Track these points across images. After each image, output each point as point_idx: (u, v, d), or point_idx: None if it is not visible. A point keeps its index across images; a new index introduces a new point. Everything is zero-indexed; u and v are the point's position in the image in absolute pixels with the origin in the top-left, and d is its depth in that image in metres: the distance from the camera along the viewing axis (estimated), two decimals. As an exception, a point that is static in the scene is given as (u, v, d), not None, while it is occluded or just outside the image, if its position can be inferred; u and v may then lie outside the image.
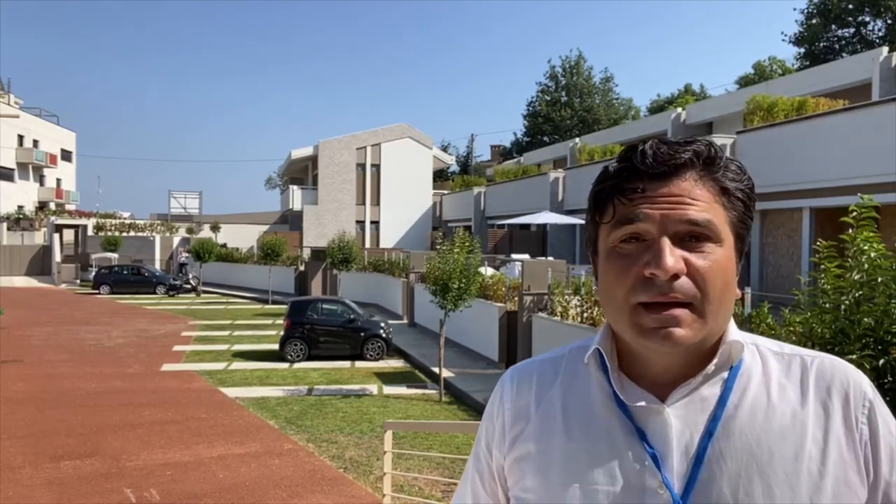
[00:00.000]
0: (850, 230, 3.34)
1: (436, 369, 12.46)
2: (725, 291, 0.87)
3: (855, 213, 3.33)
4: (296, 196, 39.04)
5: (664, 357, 0.91)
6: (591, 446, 0.93)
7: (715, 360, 0.90)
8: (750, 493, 0.84)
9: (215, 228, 39.97)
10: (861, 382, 0.90)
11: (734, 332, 0.92)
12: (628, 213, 0.88)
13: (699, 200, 0.87)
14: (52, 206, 48.74)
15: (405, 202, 38.63)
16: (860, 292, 3.19)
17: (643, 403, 0.91)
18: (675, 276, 0.85)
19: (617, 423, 0.93)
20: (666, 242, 0.85)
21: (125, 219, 44.04)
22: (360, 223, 38.31)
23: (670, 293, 0.84)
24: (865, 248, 3.17)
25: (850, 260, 3.28)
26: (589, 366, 0.99)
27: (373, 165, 38.52)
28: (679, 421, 0.89)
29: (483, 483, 1.06)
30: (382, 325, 15.54)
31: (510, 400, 1.03)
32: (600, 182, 0.93)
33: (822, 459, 0.86)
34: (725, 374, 0.91)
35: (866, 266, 3.18)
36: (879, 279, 3.12)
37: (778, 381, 0.91)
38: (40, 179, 52.32)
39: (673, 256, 0.85)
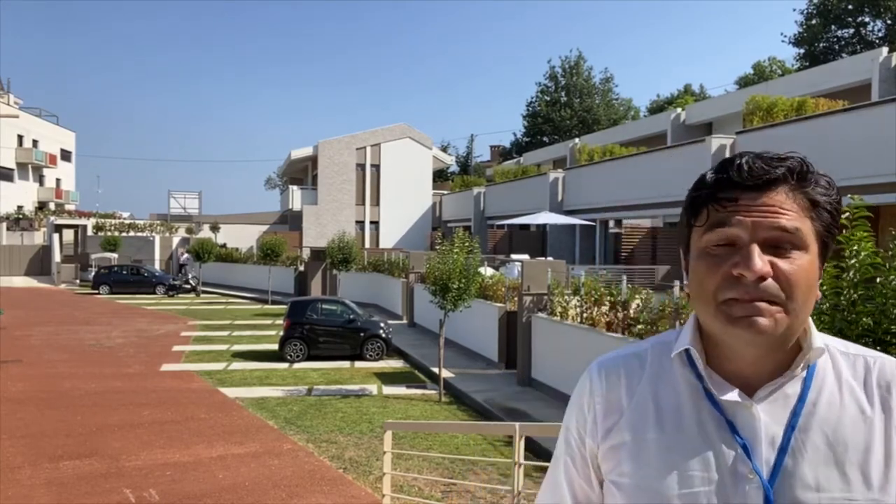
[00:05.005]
0: (844, 231, 3.34)
1: (435, 369, 12.47)
2: (808, 294, 0.97)
3: (848, 214, 3.33)
4: (295, 196, 39.05)
5: (752, 349, 0.99)
6: (685, 437, 1.02)
7: (801, 364, 1.01)
8: (829, 478, 0.96)
9: (215, 228, 39.96)
10: None
11: (818, 339, 1.02)
12: (722, 219, 0.98)
13: (789, 211, 0.96)
14: (52, 206, 48.76)
15: (405, 202, 38.62)
16: (858, 292, 3.19)
17: (734, 398, 1.00)
18: (762, 279, 0.94)
19: (708, 416, 1.02)
20: (755, 247, 0.95)
21: (125, 219, 44.07)
22: (360, 223, 38.31)
23: (756, 292, 0.94)
24: (856, 248, 3.18)
25: (846, 261, 3.29)
26: (674, 361, 1.08)
27: (372, 165, 38.52)
28: (766, 415, 1.00)
29: (576, 466, 1.15)
30: (382, 325, 15.54)
31: (601, 393, 1.12)
32: (697, 189, 1.03)
33: (886, 451, 0.98)
34: (804, 374, 1.02)
35: (858, 266, 3.18)
36: (878, 279, 3.13)
37: (847, 381, 1.02)
38: (40, 179, 52.33)
39: (761, 260, 0.94)
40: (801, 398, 1.01)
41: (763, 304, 0.94)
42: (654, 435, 1.04)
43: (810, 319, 1.02)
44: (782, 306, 0.94)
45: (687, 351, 1.06)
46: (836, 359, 1.05)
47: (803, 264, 0.96)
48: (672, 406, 1.05)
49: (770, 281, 0.94)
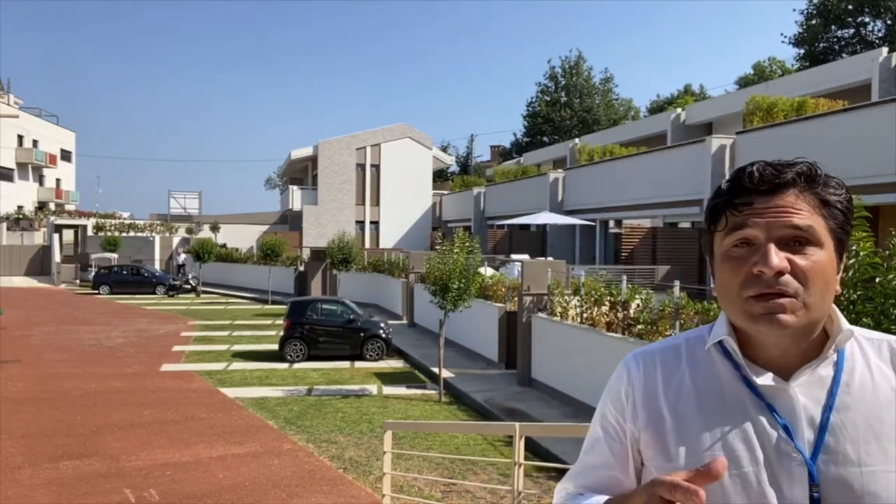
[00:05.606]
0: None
1: (435, 369, 12.47)
2: (825, 287, 1.04)
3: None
4: (295, 196, 39.03)
5: (777, 341, 1.06)
6: (728, 420, 1.08)
7: (833, 347, 1.07)
8: (869, 453, 1.03)
9: (215, 228, 39.95)
10: None
11: (845, 322, 1.09)
12: (739, 222, 1.06)
13: (801, 210, 1.04)
14: (52, 206, 48.74)
15: (405, 202, 38.61)
16: (857, 293, 3.19)
17: (772, 383, 1.07)
18: (780, 273, 1.01)
19: (748, 400, 1.09)
20: (771, 245, 1.02)
21: (125, 219, 44.05)
22: (360, 223, 38.29)
23: (776, 286, 1.01)
24: (855, 248, 3.18)
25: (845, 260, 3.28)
26: (710, 352, 1.15)
27: (372, 166, 38.51)
28: (803, 397, 1.06)
29: (613, 453, 1.20)
30: (382, 325, 15.54)
31: (639, 381, 1.18)
32: (715, 198, 1.11)
33: None
34: (835, 357, 1.09)
35: (857, 266, 3.18)
36: (877, 280, 3.13)
37: (875, 363, 1.10)
38: (40, 179, 52.31)
39: (778, 257, 1.01)
40: (835, 380, 1.07)
41: (782, 300, 1.01)
42: (698, 420, 1.10)
43: (836, 309, 1.09)
44: (801, 299, 1.01)
45: (721, 342, 1.13)
46: (862, 343, 1.12)
47: (819, 259, 1.03)
48: (712, 392, 1.11)
49: (788, 276, 1.01)
